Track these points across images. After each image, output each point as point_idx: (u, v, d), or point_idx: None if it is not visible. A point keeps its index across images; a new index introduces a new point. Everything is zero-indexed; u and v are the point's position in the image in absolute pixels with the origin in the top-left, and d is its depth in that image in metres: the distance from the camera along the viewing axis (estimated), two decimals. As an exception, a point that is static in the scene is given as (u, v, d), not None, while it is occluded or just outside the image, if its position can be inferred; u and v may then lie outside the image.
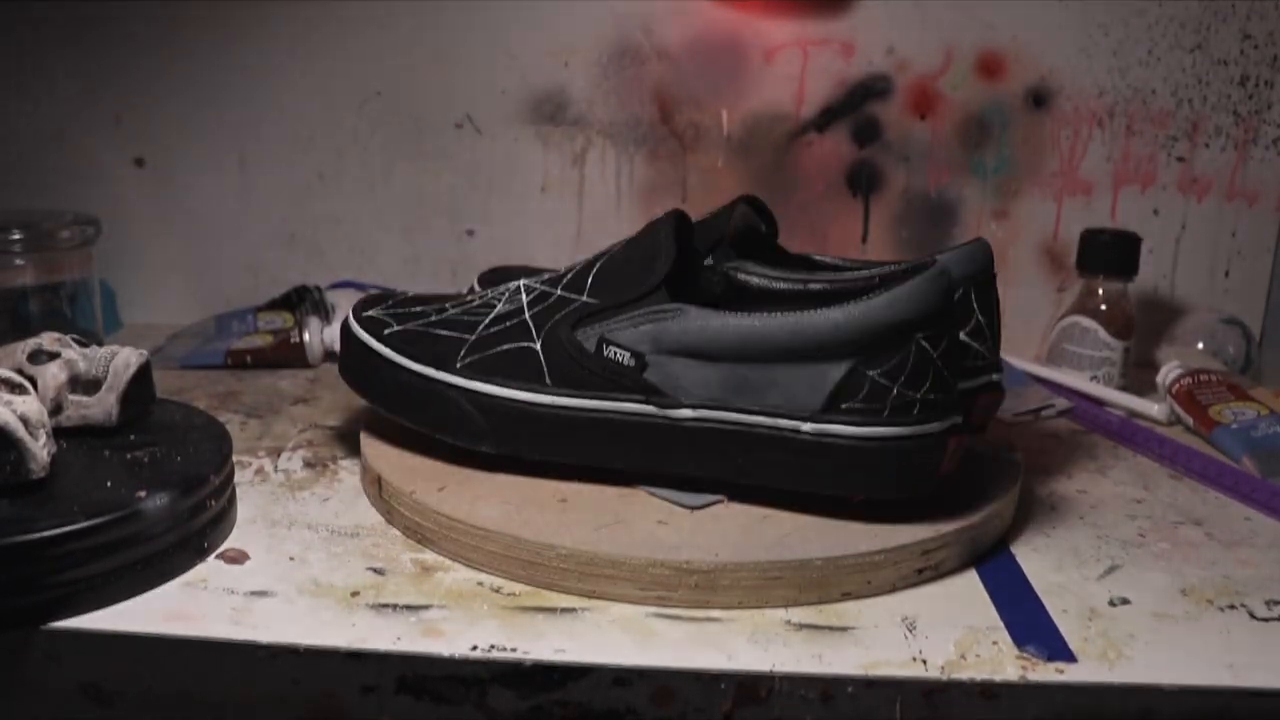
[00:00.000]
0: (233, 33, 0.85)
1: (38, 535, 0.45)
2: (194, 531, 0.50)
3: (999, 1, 0.82)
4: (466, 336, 0.56)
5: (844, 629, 0.47)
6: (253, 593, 0.48)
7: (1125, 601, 0.50)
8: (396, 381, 0.57)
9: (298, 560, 0.51)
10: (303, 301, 0.84)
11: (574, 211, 0.88)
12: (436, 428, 0.57)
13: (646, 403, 0.53)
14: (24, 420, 0.48)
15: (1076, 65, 0.83)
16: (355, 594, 0.48)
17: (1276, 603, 0.50)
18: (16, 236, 0.73)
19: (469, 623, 0.46)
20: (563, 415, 0.54)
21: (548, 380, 0.54)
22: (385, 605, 0.47)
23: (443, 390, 0.55)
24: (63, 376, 0.55)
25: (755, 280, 0.56)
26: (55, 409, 0.55)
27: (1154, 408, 0.73)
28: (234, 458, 0.56)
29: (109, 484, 0.49)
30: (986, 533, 0.54)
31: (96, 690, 0.45)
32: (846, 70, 0.84)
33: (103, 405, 0.55)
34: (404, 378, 0.57)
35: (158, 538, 0.48)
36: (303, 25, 0.85)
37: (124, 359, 0.56)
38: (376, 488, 0.56)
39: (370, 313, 0.60)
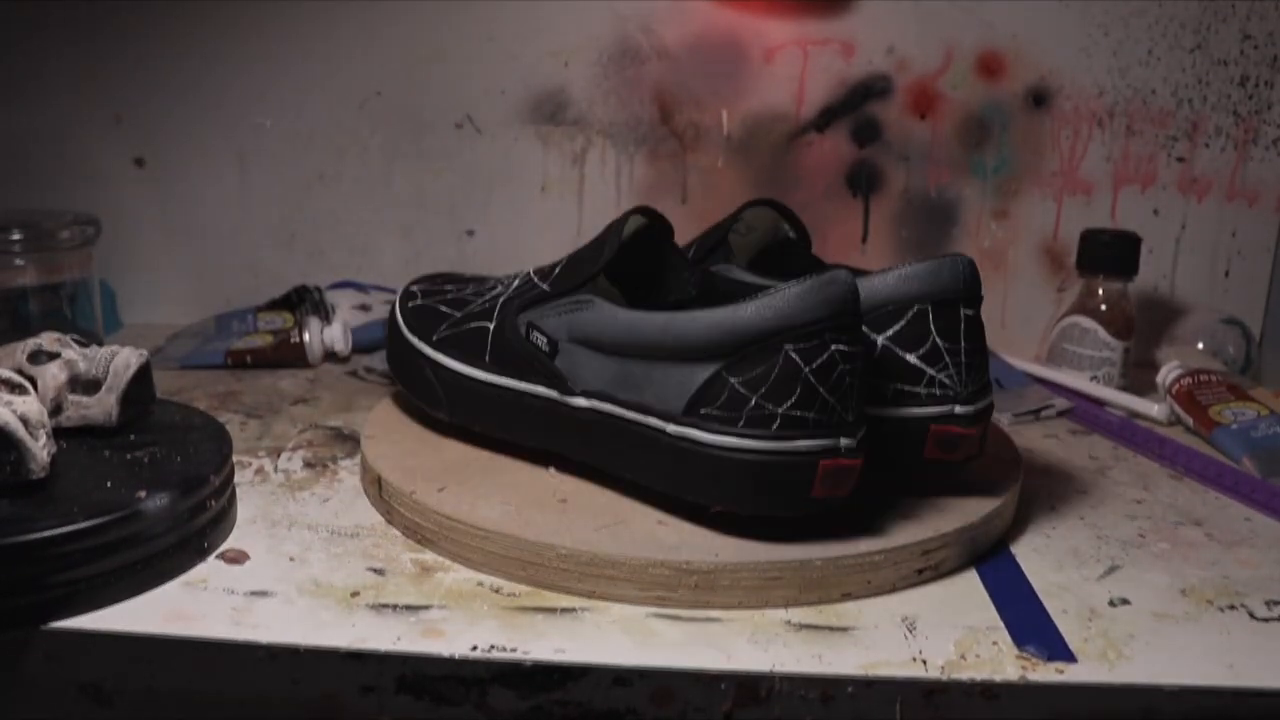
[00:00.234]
0: (233, 33, 0.85)
1: (38, 535, 0.45)
2: (194, 531, 0.50)
3: (999, 1, 0.82)
4: (454, 314, 0.60)
5: (844, 629, 0.47)
6: (253, 593, 0.48)
7: (1125, 601, 0.50)
8: (396, 346, 0.63)
9: (298, 560, 0.51)
10: (303, 301, 0.84)
11: (574, 211, 0.88)
12: (410, 390, 0.62)
13: (550, 387, 0.55)
14: (24, 420, 0.48)
15: (1076, 65, 0.83)
16: (355, 594, 0.48)
17: (1276, 603, 0.50)
18: (16, 236, 0.73)
19: (469, 623, 0.46)
20: (490, 391, 0.57)
21: (486, 359, 0.58)
22: (385, 605, 0.47)
23: (418, 358, 0.61)
24: (63, 376, 0.55)
25: (723, 284, 0.57)
26: (55, 409, 0.55)
27: (1154, 408, 0.73)
28: (234, 458, 0.56)
29: (109, 484, 0.49)
30: (986, 533, 0.54)
31: (96, 690, 0.45)
32: (846, 70, 0.84)
33: (103, 405, 0.55)
34: (400, 344, 0.62)
35: (158, 538, 0.48)
36: (303, 25, 0.85)
37: (124, 359, 0.56)
38: (376, 488, 0.56)
39: (416, 286, 0.65)
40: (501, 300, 0.58)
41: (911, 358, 0.53)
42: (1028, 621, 0.48)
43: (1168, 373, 0.74)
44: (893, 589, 0.50)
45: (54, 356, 0.56)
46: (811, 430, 0.48)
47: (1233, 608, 0.50)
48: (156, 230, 0.89)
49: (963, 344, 0.54)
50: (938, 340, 0.54)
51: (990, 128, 0.84)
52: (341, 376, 0.79)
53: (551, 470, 0.57)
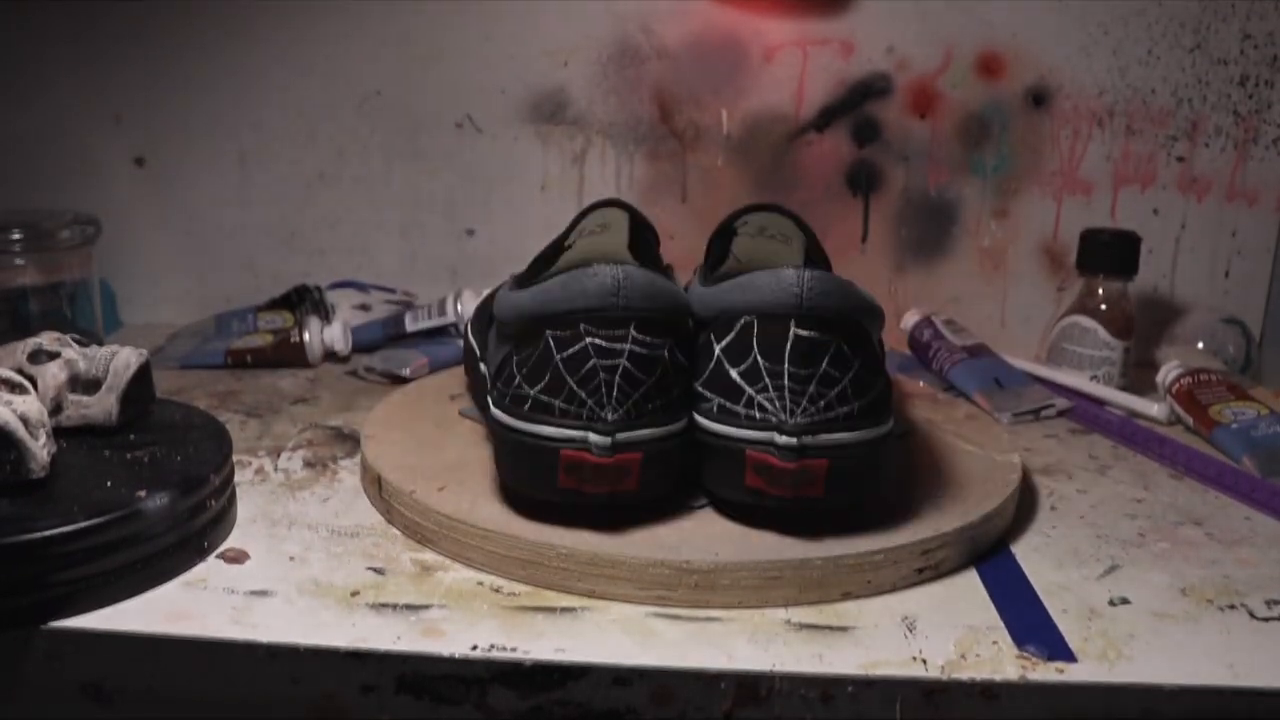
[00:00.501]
0: (232, 33, 0.85)
1: (38, 535, 0.45)
2: (194, 531, 0.50)
3: (999, 1, 0.82)
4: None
5: (844, 629, 0.47)
6: (253, 592, 0.48)
7: (1125, 601, 0.50)
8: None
9: (298, 560, 0.51)
10: (303, 301, 0.84)
11: (574, 211, 0.87)
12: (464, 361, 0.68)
13: (480, 360, 0.60)
14: (24, 420, 0.48)
15: (1076, 65, 0.83)
16: (355, 594, 0.48)
17: (1276, 603, 0.50)
18: (16, 236, 0.73)
19: (469, 622, 0.46)
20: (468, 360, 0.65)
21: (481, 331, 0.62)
22: (385, 605, 0.47)
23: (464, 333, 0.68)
24: (63, 376, 0.55)
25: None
26: (55, 409, 0.55)
27: (1154, 407, 0.73)
28: (234, 457, 0.56)
29: (109, 484, 0.49)
30: (986, 533, 0.54)
31: (96, 690, 0.45)
32: (846, 70, 0.84)
33: (103, 405, 0.55)
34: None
35: (158, 537, 0.48)
36: (303, 25, 0.85)
37: (124, 359, 0.56)
38: (376, 487, 0.56)
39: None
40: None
41: (734, 373, 0.50)
42: (1028, 621, 0.48)
43: (1168, 372, 0.74)
44: (893, 589, 0.50)
45: (54, 356, 0.56)
46: (557, 418, 0.49)
47: (1233, 607, 0.50)
48: (156, 230, 0.89)
49: (787, 366, 0.48)
50: (759, 358, 0.49)
51: (990, 127, 0.84)
52: (341, 376, 0.79)
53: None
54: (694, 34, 0.84)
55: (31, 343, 0.56)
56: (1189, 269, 0.86)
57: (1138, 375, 0.78)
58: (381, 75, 0.86)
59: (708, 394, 0.50)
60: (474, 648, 0.44)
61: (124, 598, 0.47)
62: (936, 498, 0.54)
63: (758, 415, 0.49)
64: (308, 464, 0.62)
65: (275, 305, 0.85)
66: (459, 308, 0.81)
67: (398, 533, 0.54)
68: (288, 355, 0.80)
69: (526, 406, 0.49)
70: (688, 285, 0.59)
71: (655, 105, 0.85)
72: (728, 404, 0.49)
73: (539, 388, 0.49)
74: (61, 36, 0.85)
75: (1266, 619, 0.49)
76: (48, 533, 0.45)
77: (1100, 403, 0.75)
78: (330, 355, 0.81)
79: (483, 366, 0.59)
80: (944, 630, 0.47)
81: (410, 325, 0.81)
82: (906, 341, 0.82)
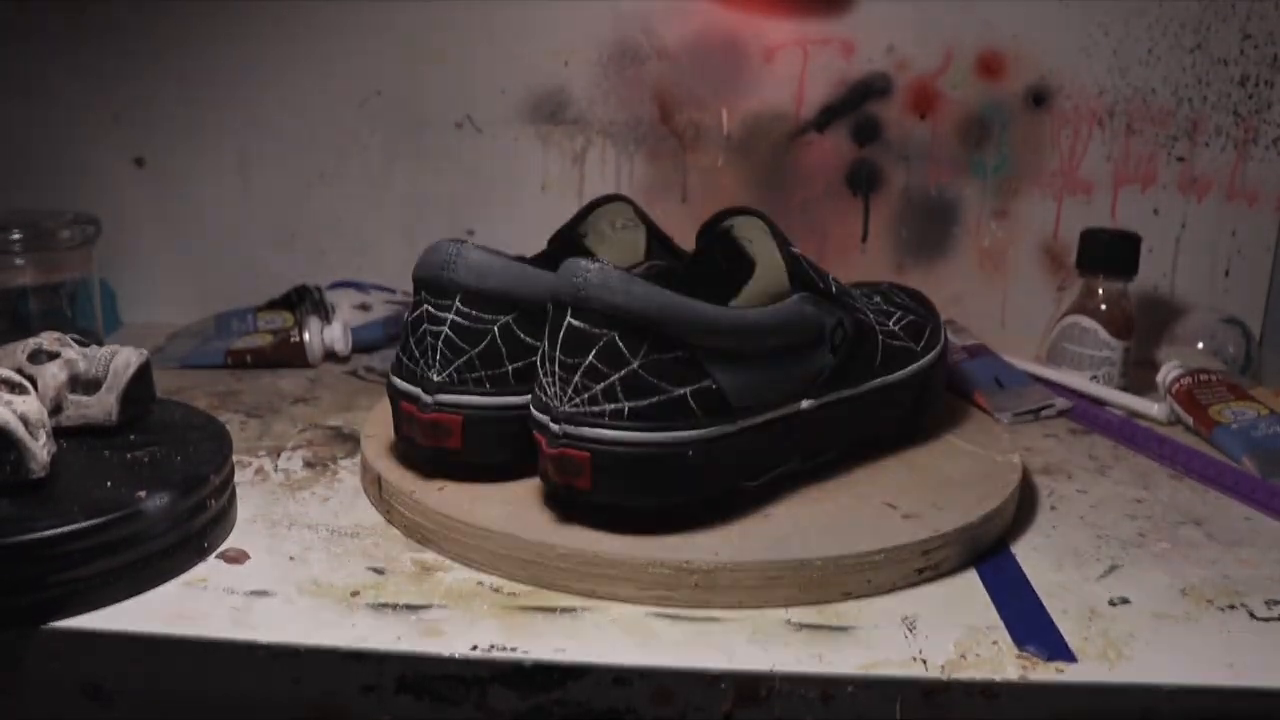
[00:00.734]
0: (233, 33, 0.85)
1: (38, 535, 0.45)
2: (194, 531, 0.50)
3: (999, 1, 0.82)
4: None
5: (844, 629, 0.47)
6: (253, 592, 0.48)
7: (1125, 601, 0.50)
8: None
9: (298, 560, 0.51)
10: (303, 301, 0.84)
11: (574, 211, 0.87)
12: None
13: None
14: (24, 420, 0.48)
15: (1076, 65, 0.83)
16: (355, 594, 0.48)
17: (1276, 603, 0.50)
18: (16, 236, 0.73)
19: (469, 622, 0.46)
20: None
21: None
22: (385, 605, 0.47)
23: None
24: (63, 376, 0.55)
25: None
26: (55, 409, 0.55)
27: (1154, 408, 0.73)
28: (234, 457, 0.56)
29: (109, 484, 0.49)
30: (986, 533, 0.54)
31: (96, 690, 0.45)
32: (846, 69, 0.84)
33: (103, 405, 0.55)
34: None
35: (158, 537, 0.48)
36: (303, 25, 0.85)
37: (124, 359, 0.56)
38: (376, 487, 0.56)
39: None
40: None
41: (536, 357, 0.51)
42: (1028, 621, 0.48)
43: (1168, 372, 0.74)
44: (893, 589, 0.50)
45: (54, 356, 0.56)
46: (402, 373, 0.55)
47: (1233, 607, 0.50)
48: (156, 230, 0.89)
49: (558, 353, 0.49)
50: (545, 343, 0.50)
51: (990, 127, 0.84)
52: (341, 376, 0.79)
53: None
54: (694, 34, 0.84)
55: (31, 343, 0.56)
56: (1189, 269, 0.86)
57: (1138, 375, 0.78)
58: (382, 75, 0.86)
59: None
60: (474, 648, 0.44)
61: (124, 598, 0.47)
62: (936, 498, 0.54)
63: (544, 398, 0.50)
64: (308, 464, 0.62)
65: (275, 305, 0.85)
66: (459, 308, 0.80)
67: (398, 533, 0.54)
68: (288, 355, 0.80)
69: (392, 362, 0.57)
70: None
71: (655, 105, 0.85)
72: (534, 385, 0.52)
73: (399, 345, 0.56)
74: (62, 37, 0.85)
75: (1266, 619, 0.49)
76: (48, 533, 0.45)
77: (1100, 403, 0.75)
78: (330, 355, 0.81)
79: None
80: (944, 630, 0.47)
81: (410, 325, 0.81)
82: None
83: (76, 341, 0.58)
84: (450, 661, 0.44)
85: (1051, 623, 0.48)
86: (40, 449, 0.49)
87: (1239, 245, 0.86)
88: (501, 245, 0.87)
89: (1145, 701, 0.44)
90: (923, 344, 0.62)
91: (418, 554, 0.52)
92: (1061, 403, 0.75)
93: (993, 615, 0.48)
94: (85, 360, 0.56)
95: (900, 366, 0.60)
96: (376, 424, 0.62)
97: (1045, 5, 0.82)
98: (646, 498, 0.50)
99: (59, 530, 0.45)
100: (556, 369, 0.49)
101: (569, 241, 0.66)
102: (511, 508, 0.52)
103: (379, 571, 0.50)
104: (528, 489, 0.54)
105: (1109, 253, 0.78)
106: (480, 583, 0.50)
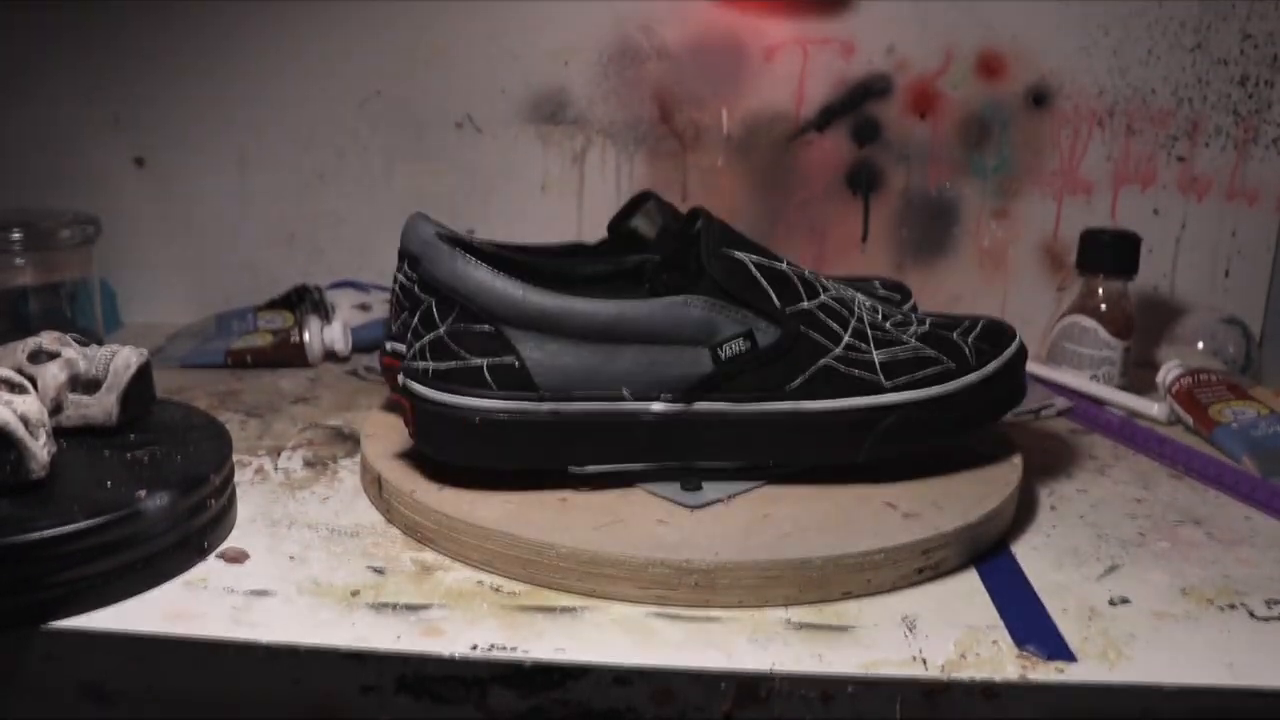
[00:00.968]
0: (233, 33, 0.85)
1: (38, 535, 0.45)
2: (194, 531, 0.50)
3: (999, 1, 0.82)
4: None
5: (844, 628, 0.47)
6: (253, 592, 0.48)
7: (1125, 601, 0.50)
8: None
9: (298, 560, 0.51)
10: (303, 301, 0.84)
11: (574, 211, 0.88)
12: None
13: None
14: (24, 420, 0.48)
15: (1076, 65, 0.83)
16: (355, 593, 0.48)
17: (1276, 602, 0.50)
18: (16, 236, 0.73)
19: (469, 622, 0.46)
20: None
21: None
22: (385, 605, 0.47)
23: None
24: (63, 376, 0.55)
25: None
26: (55, 409, 0.55)
27: (1154, 407, 0.73)
28: (234, 457, 0.56)
29: (109, 484, 0.49)
30: (986, 533, 0.54)
31: (96, 690, 0.45)
32: (846, 70, 0.84)
33: (103, 405, 0.55)
34: None
35: (158, 537, 0.48)
36: (303, 25, 0.85)
37: (124, 359, 0.56)
38: (376, 487, 0.56)
39: None
40: None
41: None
42: (1028, 621, 0.48)
43: (1168, 372, 0.74)
44: (893, 588, 0.50)
45: (54, 356, 0.56)
46: (392, 332, 0.60)
47: (1233, 607, 0.50)
48: (156, 230, 0.89)
49: (407, 310, 0.55)
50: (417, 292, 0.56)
51: (990, 127, 0.84)
52: (341, 376, 0.79)
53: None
54: (694, 34, 0.84)
55: (31, 343, 0.56)
56: (1189, 269, 0.86)
57: (1138, 375, 0.78)
58: (382, 75, 0.86)
59: None
60: (474, 647, 0.44)
61: (124, 598, 0.47)
62: (936, 498, 0.54)
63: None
64: (308, 464, 0.62)
65: (275, 305, 0.85)
66: (459, 308, 0.81)
67: (398, 532, 0.54)
68: (288, 355, 0.80)
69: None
70: None
71: (655, 105, 0.85)
72: None
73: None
74: (61, 37, 0.85)
75: (1266, 619, 0.49)
76: (48, 533, 0.45)
77: (1100, 403, 0.75)
78: (330, 355, 0.81)
79: None
80: (944, 630, 0.47)
81: (410, 325, 0.81)
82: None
83: (76, 341, 0.58)
84: (450, 661, 0.44)
85: (1051, 622, 0.48)
86: (40, 449, 0.49)
87: (1239, 245, 0.86)
88: (501, 245, 0.88)
89: (1145, 701, 0.44)
90: (908, 382, 0.55)
91: (418, 554, 0.52)
92: (1061, 403, 0.75)
93: (993, 615, 0.48)
94: (85, 360, 0.56)
95: (840, 394, 0.54)
96: (377, 424, 0.62)
97: (1045, 5, 0.82)
98: (453, 455, 0.54)
99: (59, 530, 0.45)
100: (407, 319, 0.55)
101: (622, 233, 0.65)
102: (511, 507, 0.52)
103: (379, 571, 0.50)
104: (528, 489, 0.54)
105: (1109, 253, 0.78)
106: (480, 582, 0.50)
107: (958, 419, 0.57)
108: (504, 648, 0.44)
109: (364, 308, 0.85)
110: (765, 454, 0.55)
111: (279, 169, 0.88)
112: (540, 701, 0.44)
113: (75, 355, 0.56)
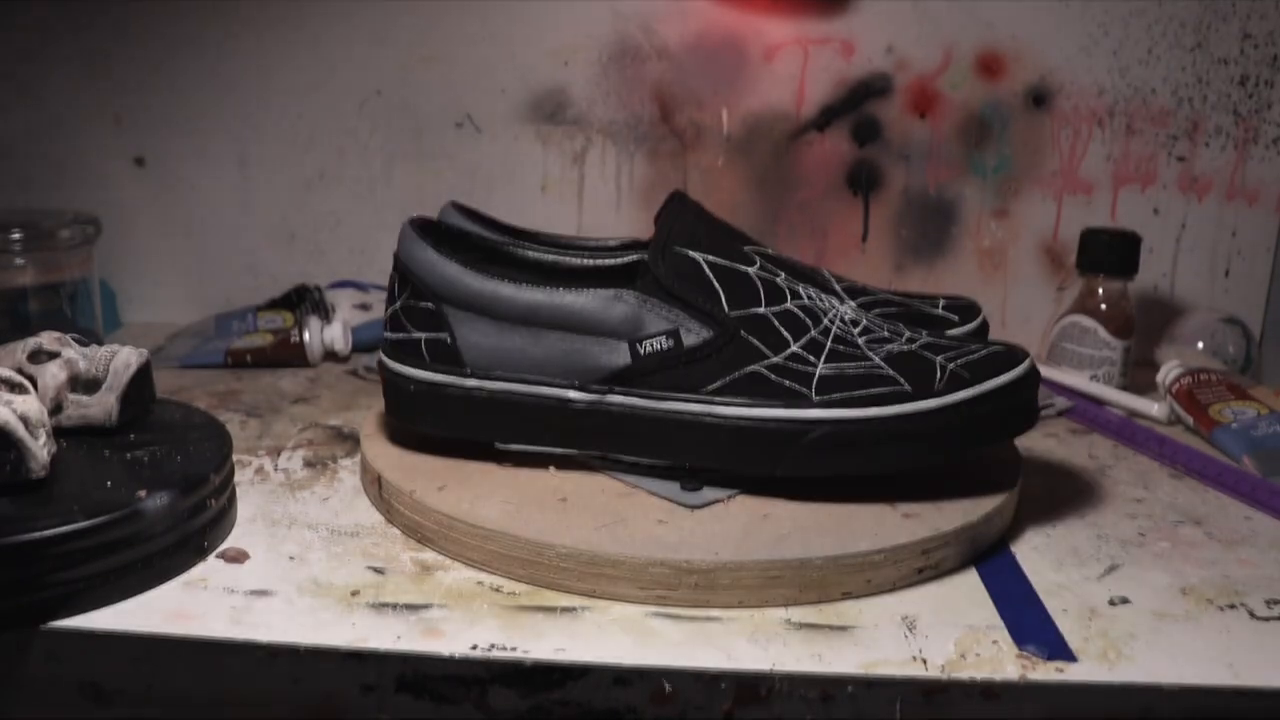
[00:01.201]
0: (233, 33, 0.85)
1: (38, 535, 0.45)
2: (194, 531, 0.50)
3: (999, 1, 0.82)
4: None
5: (844, 628, 0.47)
6: (253, 592, 0.48)
7: (1125, 601, 0.50)
8: None
9: (298, 560, 0.51)
10: (303, 301, 0.84)
11: (574, 211, 0.88)
12: None
13: None
14: (24, 420, 0.48)
15: (1076, 65, 0.83)
16: (355, 593, 0.48)
17: (1276, 602, 0.50)
18: (16, 236, 0.73)
19: (469, 622, 0.46)
20: None
21: None
22: (385, 605, 0.47)
23: None
24: (62, 376, 0.55)
25: None
26: (55, 409, 0.55)
27: (1154, 407, 0.73)
28: (234, 457, 0.56)
29: (109, 484, 0.49)
30: (986, 532, 0.54)
31: (96, 690, 0.45)
32: (846, 70, 0.84)
33: (103, 405, 0.55)
34: None
35: (158, 537, 0.48)
36: (303, 26, 0.85)
37: (124, 359, 0.56)
38: (376, 487, 0.56)
39: None
40: None
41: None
42: (1028, 621, 0.48)
43: (1168, 372, 0.74)
44: (893, 588, 0.50)
45: (54, 356, 0.56)
46: None
47: (1233, 607, 0.50)
48: (156, 230, 0.89)
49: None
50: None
51: (990, 127, 0.84)
52: (341, 376, 0.79)
53: (551, 469, 0.57)
54: (694, 34, 0.84)
55: (31, 342, 0.56)
56: (1189, 269, 0.86)
57: (1138, 375, 0.79)
58: (382, 75, 0.86)
59: None
60: (474, 647, 0.44)
61: (124, 598, 0.47)
62: (936, 498, 0.54)
63: None
64: (308, 464, 0.62)
65: (275, 305, 0.85)
66: (459, 308, 0.81)
67: (398, 532, 0.54)
68: (288, 355, 0.80)
69: None
70: None
71: (656, 105, 0.85)
72: None
73: None
74: (61, 36, 0.85)
75: (1266, 619, 0.49)
76: (47, 533, 0.45)
77: (1100, 402, 0.75)
78: (330, 355, 0.81)
79: None
80: (944, 630, 0.47)
81: (410, 325, 0.81)
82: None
83: (76, 341, 0.58)
84: (450, 661, 0.44)
85: (1051, 622, 0.48)
86: (40, 449, 0.49)
87: (1239, 245, 0.86)
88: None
89: (1145, 701, 0.44)
90: (842, 399, 0.52)
91: (418, 554, 0.52)
92: (1061, 402, 0.75)
93: (993, 615, 0.48)
94: (85, 360, 0.56)
95: (760, 402, 0.53)
96: (376, 423, 0.62)
97: (1045, 5, 0.82)
98: (399, 416, 0.59)
99: (59, 530, 0.45)
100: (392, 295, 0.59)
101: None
102: (511, 507, 0.52)
103: (379, 571, 0.50)
104: (528, 488, 0.54)
105: (1109, 252, 0.78)
106: (480, 582, 0.50)
107: (920, 443, 0.53)
108: (504, 648, 0.44)
109: (364, 308, 0.85)
110: (681, 454, 0.55)
111: (279, 169, 0.88)
112: (540, 701, 0.44)
113: (75, 355, 0.56)
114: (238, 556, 0.51)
